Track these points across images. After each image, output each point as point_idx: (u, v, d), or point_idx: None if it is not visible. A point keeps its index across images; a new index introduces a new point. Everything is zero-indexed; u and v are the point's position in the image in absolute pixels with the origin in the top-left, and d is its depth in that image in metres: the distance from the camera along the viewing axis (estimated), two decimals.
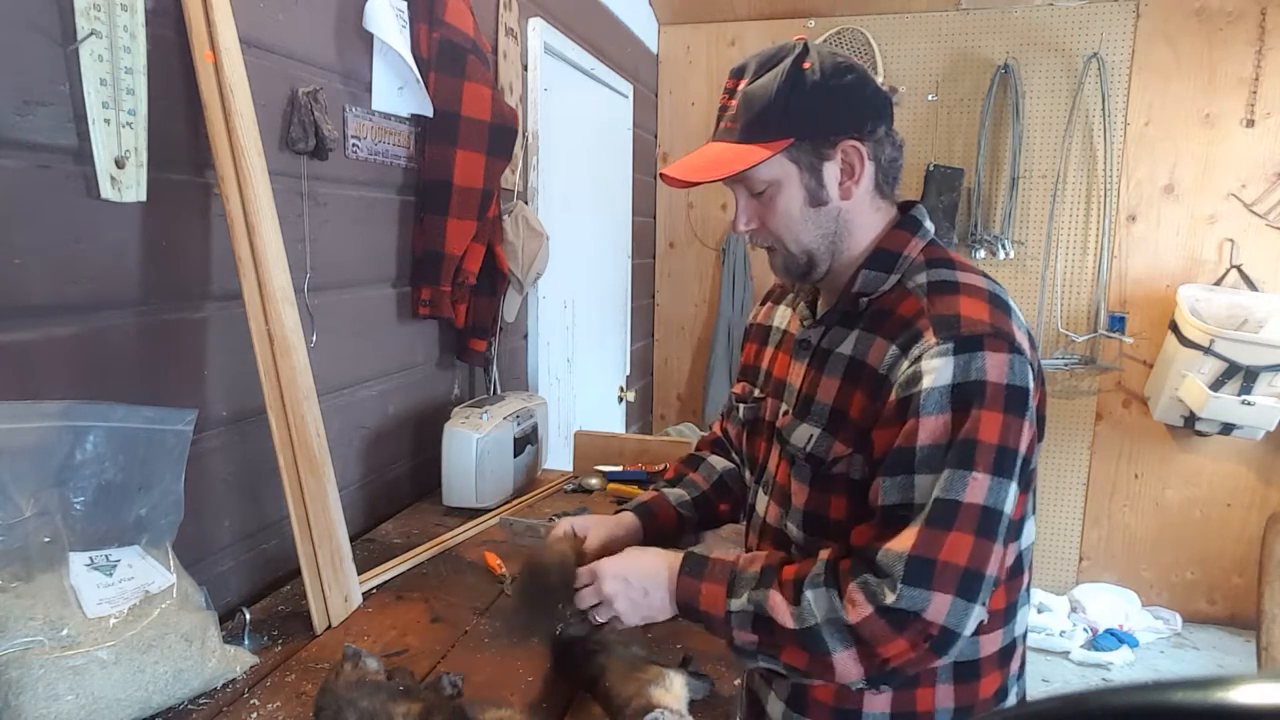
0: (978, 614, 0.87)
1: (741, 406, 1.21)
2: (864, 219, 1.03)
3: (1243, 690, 0.21)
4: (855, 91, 0.97)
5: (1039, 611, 3.41)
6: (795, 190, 0.99)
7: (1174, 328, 3.14)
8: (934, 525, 0.86)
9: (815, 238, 1.02)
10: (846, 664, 0.88)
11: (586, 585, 1.02)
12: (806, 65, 0.95)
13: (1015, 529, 0.94)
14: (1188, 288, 3.19)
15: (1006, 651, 1.02)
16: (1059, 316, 3.42)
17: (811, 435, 1.02)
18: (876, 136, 0.99)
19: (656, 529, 1.23)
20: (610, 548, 1.13)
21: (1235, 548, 3.37)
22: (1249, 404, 2.95)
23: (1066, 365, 3.43)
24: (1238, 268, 3.22)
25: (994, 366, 0.88)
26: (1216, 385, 3.00)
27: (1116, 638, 3.30)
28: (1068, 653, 3.28)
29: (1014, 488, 0.88)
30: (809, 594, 0.90)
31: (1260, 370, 2.93)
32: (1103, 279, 3.36)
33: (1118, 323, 3.35)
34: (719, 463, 1.32)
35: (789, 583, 0.93)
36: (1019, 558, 1.00)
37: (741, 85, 0.99)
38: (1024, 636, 1.06)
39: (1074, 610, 3.47)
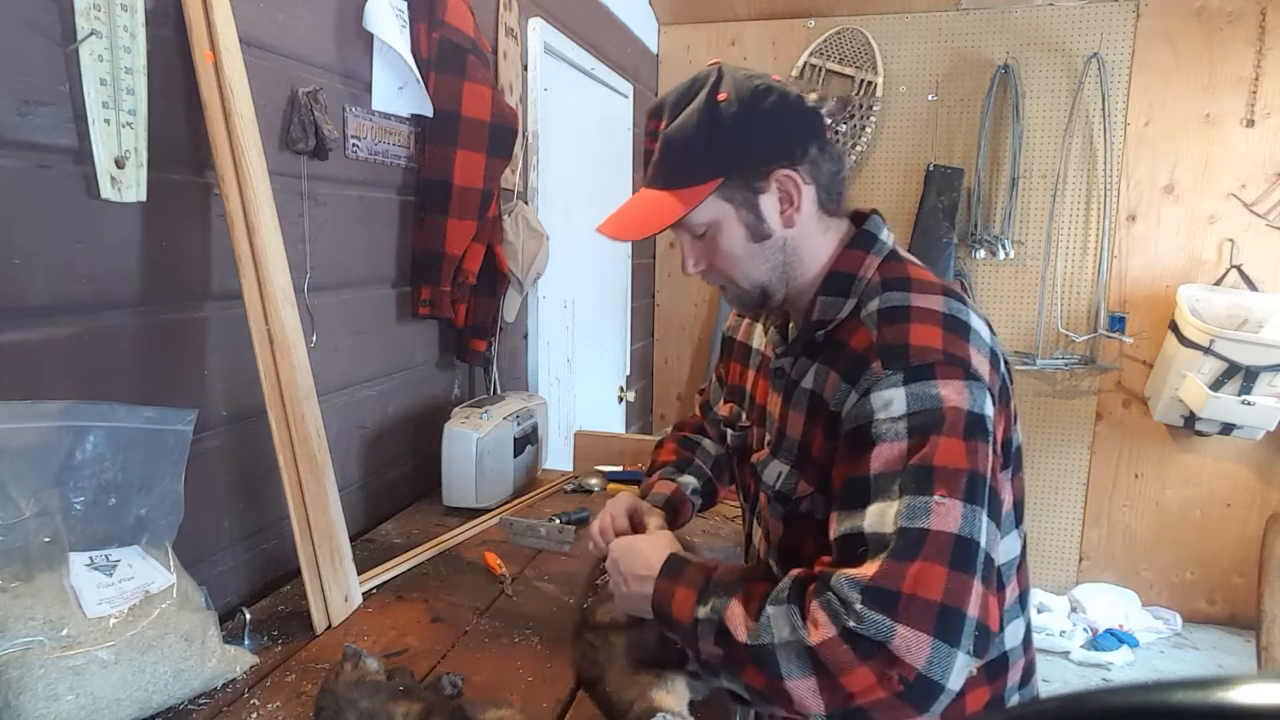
0: (963, 663, 0.76)
1: (730, 432, 1.19)
2: (813, 243, 0.99)
3: (1243, 690, 0.21)
4: (779, 116, 0.92)
5: (1039, 611, 3.41)
6: (735, 228, 0.96)
7: (1174, 328, 3.14)
8: (895, 556, 0.78)
9: (764, 271, 0.99)
10: (804, 694, 0.78)
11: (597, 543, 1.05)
12: (722, 96, 0.91)
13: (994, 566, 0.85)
14: (1188, 288, 3.19)
15: (994, 665, 0.99)
16: (1059, 316, 3.42)
17: (781, 472, 1.00)
18: (810, 158, 0.95)
19: (676, 523, 1.23)
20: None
21: (1235, 548, 3.37)
22: (1249, 404, 2.95)
23: (1066, 365, 3.43)
24: (1238, 268, 3.22)
25: (950, 393, 0.83)
26: (1216, 385, 3.00)
27: (1116, 638, 3.30)
28: (1068, 653, 3.28)
29: (987, 519, 0.80)
30: (770, 610, 0.82)
31: (1260, 370, 2.93)
32: (1103, 279, 3.36)
33: (1118, 323, 3.35)
34: (711, 446, 1.33)
35: (756, 596, 0.86)
36: (997, 575, 0.92)
37: (661, 127, 0.95)
38: (1022, 649, 1.02)
39: (1074, 610, 3.47)
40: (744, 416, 1.16)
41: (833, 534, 0.85)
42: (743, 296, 1.03)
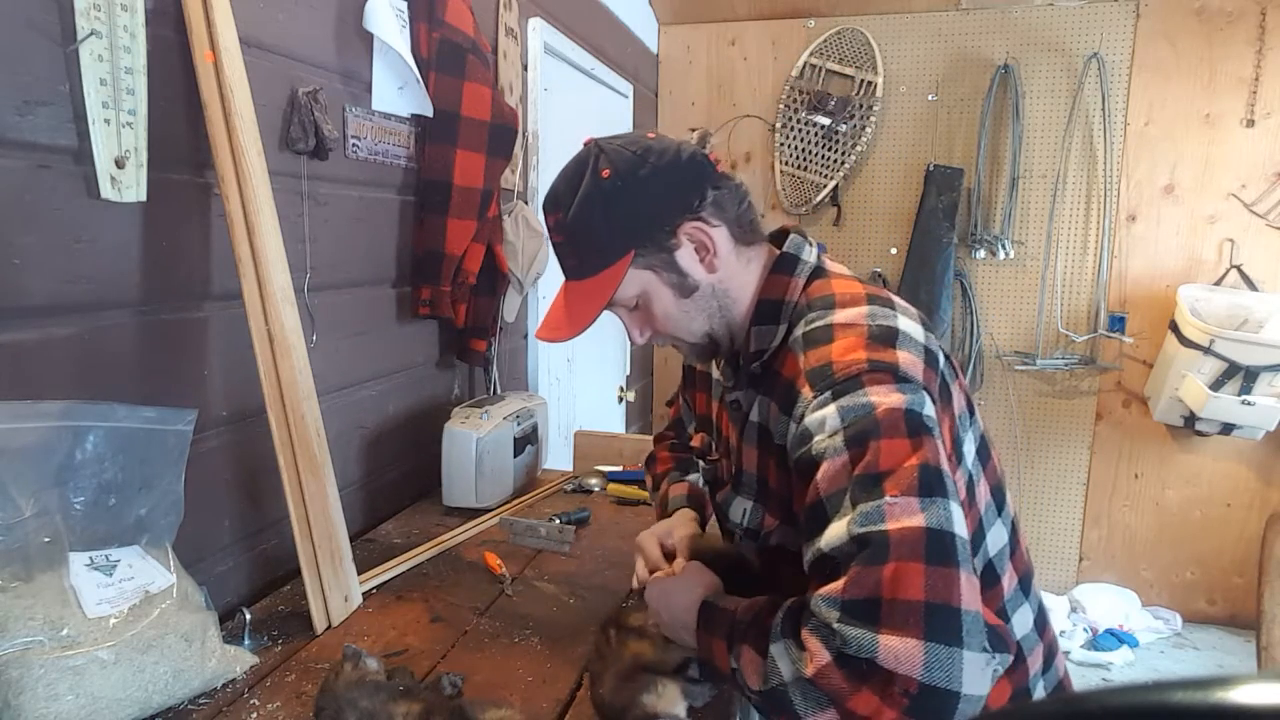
0: (976, 662, 0.70)
1: (701, 464, 1.19)
2: (739, 279, 1.00)
3: (1243, 690, 0.21)
4: (663, 174, 0.93)
5: None
6: (662, 291, 0.97)
7: (1174, 328, 3.14)
8: (863, 562, 0.74)
9: (703, 320, 1.00)
10: None
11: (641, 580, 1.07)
12: (605, 173, 0.92)
13: (976, 552, 0.86)
14: (1188, 288, 3.19)
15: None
16: (1059, 316, 3.42)
17: (745, 509, 1.00)
18: (709, 200, 0.96)
19: (704, 518, 1.25)
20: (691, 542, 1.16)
21: (1235, 548, 3.37)
22: (1249, 404, 2.95)
23: (1066, 365, 3.43)
24: (1238, 268, 3.22)
25: (881, 397, 0.81)
26: (1216, 385, 3.00)
27: (1116, 638, 3.30)
28: (1068, 653, 3.28)
29: (955, 507, 0.77)
30: (772, 649, 0.79)
31: (1260, 370, 2.93)
32: (1103, 279, 3.36)
33: (1118, 323, 3.35)
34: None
35: (765, 629, 0.83)
36: (990, 567, 0.95)
37: (559, 219, 0.96)
38: (1037, 635, 1.01)
39: (1074, 610, 3.47)
40: (714, 448, 1.17)
41: (805, 565, 0.83)
42: (694, 350, 1.04)
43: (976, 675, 0.70)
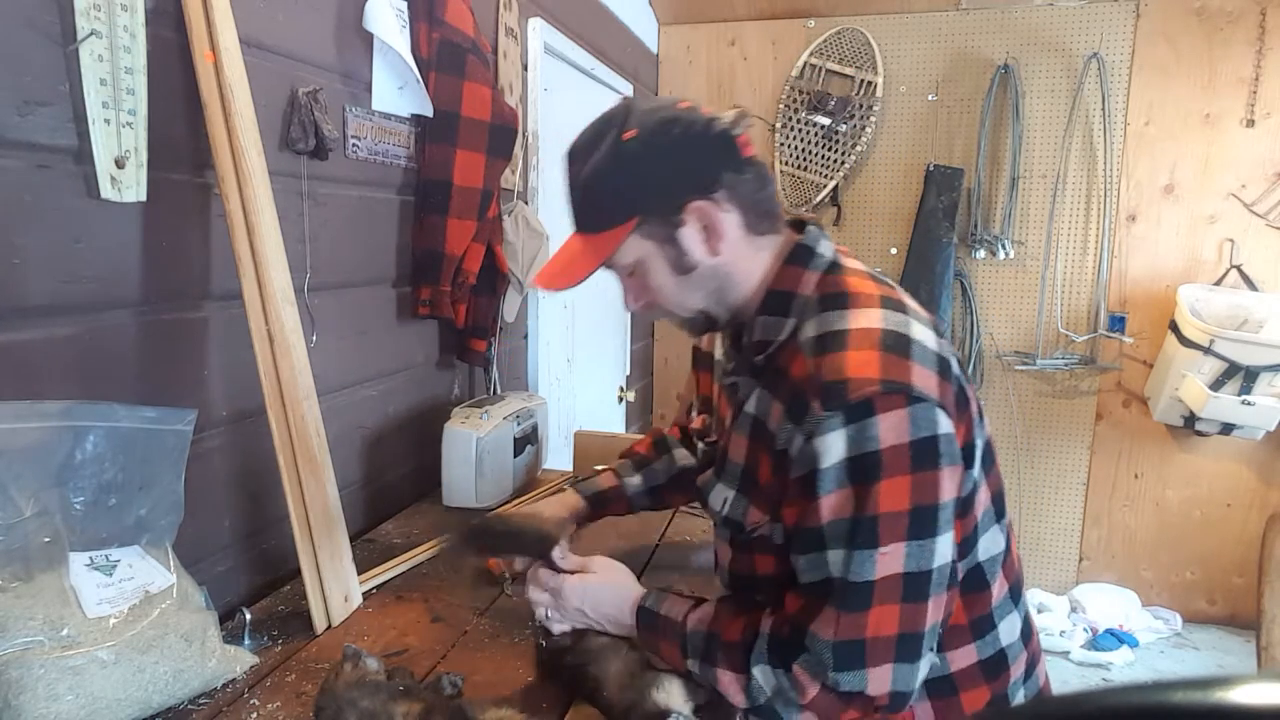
0: (924, 665, 0.86)
1: (701, 444, 1.19)
2: (745, 265, 0.97)
3: (1243, 690, 0.21)
4: (686, 148, 0.91)
5: (1039, 611, 3.41)
6: (660, 264, 0.96)
7: (1174, 328, 3.14)
8: (849, 609, 0.84)
9: (699, 298, 0.99)
10: None
11: (543, 590, 1.05)
12: (628, 135, 0.90)
13: (953, 571, 0.89)
14: (1188, 288, 3.19)
15: (993, 663, 0.98)
16: (1059, 316, 3.42)
17: (726, 498, 1.00)
18: (726, 184, 0.93)
19: (602, 515, 1.28)
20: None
21: (1235, 548, 3.37)
22: (1249, 404, 2.95)
23: (1066, 365, 3.43)
24: (1238, 268, 3.22)
25: (890, 429, 0.82)
26: (1216, 385, 3.00)
27: (1116, 638, 3.30)
28: (1068, 653, 3.28)
29: (941, 540, 0.84)
30: (756, 671, 0.89)
31: (1260, 370, 2.93)
32: (1103, 279, 3.36)
33: (1118, 323, 3.35)
34: (683, 456, 1.33)
35: (734, 649, 0.92)
36: (979, 572, 0.95)
37: (575, 171, 0.95)
38: (1022, 643, 1.02)
39: (1074, 610, 3.47)
40: (713, 430, 1.16)
41: (799, 579, 0.89)
42: (688, 324, 1.04)
43: (923, 674, 0.87)
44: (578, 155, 0.95)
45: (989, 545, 0.96)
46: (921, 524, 0.83)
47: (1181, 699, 0.22)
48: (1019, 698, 1.02)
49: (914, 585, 0.84)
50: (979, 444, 0.93)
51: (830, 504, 0.84)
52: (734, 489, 0.99)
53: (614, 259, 0.95)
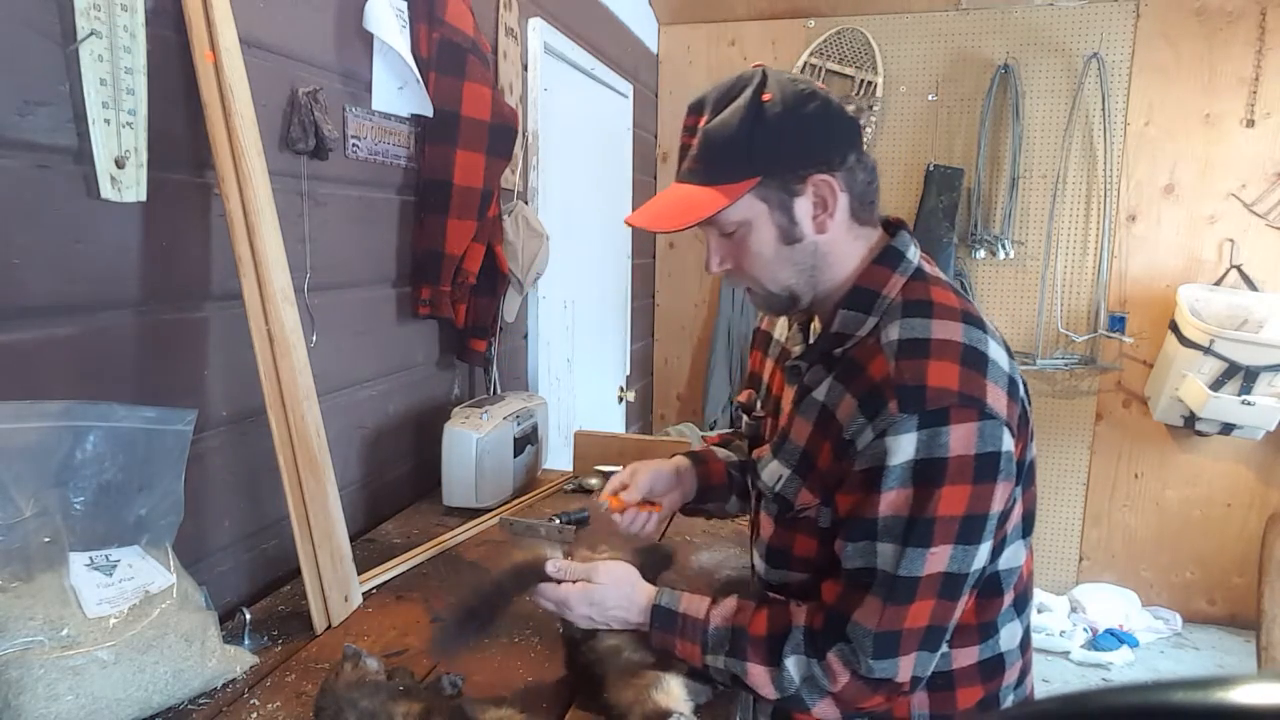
0: (939, 654, 0.93)
1: (745, 418, 1.19)
2: (842, 249, 0.99)
3: (1243, 690, 0.21)
4: (820, 122, 0.93)
5: (1039, 611, 3.41)
6: (767, 229, 0.96)
7: (1174, 328, 3.14)
8: (895, 602, 0.88)
9: (792, 274, 0.99)
10: (825, 710, 0.94)
11: (550, 604, 1.03)
12: (767, 97, 0.91)
13: (985, 573, 0.95)
14: (1188, 288, 3.19)
15: (990, 666, 1.01)
16: (1059, 316, 3.42)
17: (781, 476, 1.01)
18: (847, 165, 0.96)
19: (706, 478, 1.24)
20: (651, 496, 1.18)
21: (1235, 548, 3.37)
22: (1249, 404, 2.95)
23: (1066, 365, 3.43)
24: (1238, 268, 3.22)
25: (959, 439, 0.86)
26: (1216, 385, 3.00)
27: (1116, 638, 3.30)
28: (1068, 653, 3.28)
29: (983, 548, 0.89)
30: (789, 662, 0.93)
31: (1260, 370, 2.93)
32: (1103, 279, 3.36)
33: (1118, 323, 3.35)
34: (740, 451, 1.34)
35: (762, 643, 0.95)
36: (995, 579, 0.98)
37: (701, 123, 0.95)
38: (1019, 651, 1.04)
39: (1074, 610, 3.47)
40: (759, 405, 1.17)
41: (844, 565, 0.93)
42: (769, 300, 1.03)
43: (935, 662, 0.93)
44: (707, 107, 0.96)
45: (1010, 557, 0.99)
46: (970, 530, 0.88)
47: (1181, 699, 0.22)
48: (1008, 701, 1.05)
49: (952, 584, 0.89)
50: (1027, 462, 0.96)
51: (890, 500, 0.88)
52: (790, 468, 1.00)
53: (723, 214, 0.95)
